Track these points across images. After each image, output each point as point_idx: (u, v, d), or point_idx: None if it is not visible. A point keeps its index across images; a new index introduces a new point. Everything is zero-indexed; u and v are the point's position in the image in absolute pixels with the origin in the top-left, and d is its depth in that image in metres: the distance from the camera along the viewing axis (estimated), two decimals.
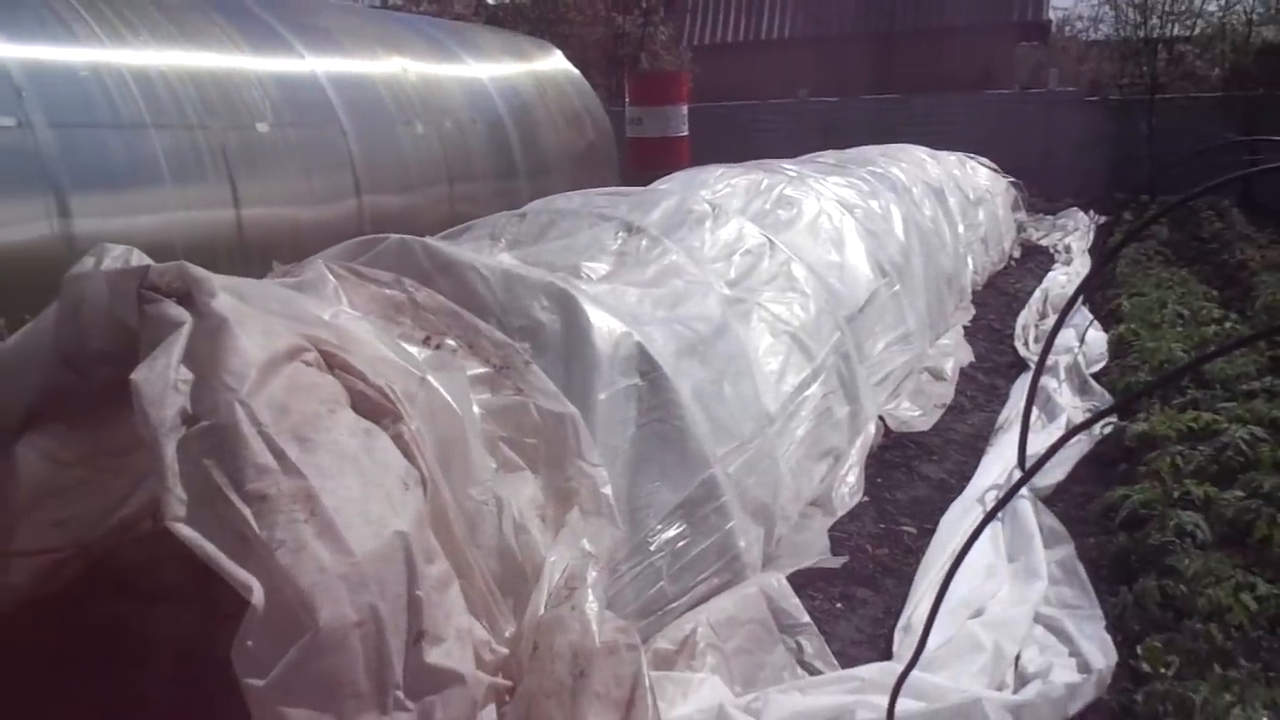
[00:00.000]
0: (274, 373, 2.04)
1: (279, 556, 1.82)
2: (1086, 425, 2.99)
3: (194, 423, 1.92)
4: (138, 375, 1.93)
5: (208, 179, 6.61)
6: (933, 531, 3.80)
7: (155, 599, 2.85)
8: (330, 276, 2.71)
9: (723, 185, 5.40)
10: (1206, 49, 16.11)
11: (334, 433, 2.05)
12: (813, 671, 2.84)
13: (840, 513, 3.98)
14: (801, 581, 3.33)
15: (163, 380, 1.93)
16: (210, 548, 1.79)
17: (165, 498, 1.83)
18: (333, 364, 2.22)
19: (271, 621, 1.78)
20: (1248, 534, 3.36)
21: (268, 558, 1.81)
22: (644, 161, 11.38)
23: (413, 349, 2.59)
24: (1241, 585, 2.90)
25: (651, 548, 2.86)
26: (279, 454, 1.92)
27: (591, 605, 2.22)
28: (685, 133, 11.97)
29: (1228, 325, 6.22)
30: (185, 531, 1.79)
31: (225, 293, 2.10)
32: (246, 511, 1.84)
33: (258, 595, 1.76)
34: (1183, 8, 15.61)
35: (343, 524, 1.91)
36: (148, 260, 2.15)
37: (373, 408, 2.20)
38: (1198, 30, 16.04)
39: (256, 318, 2.13)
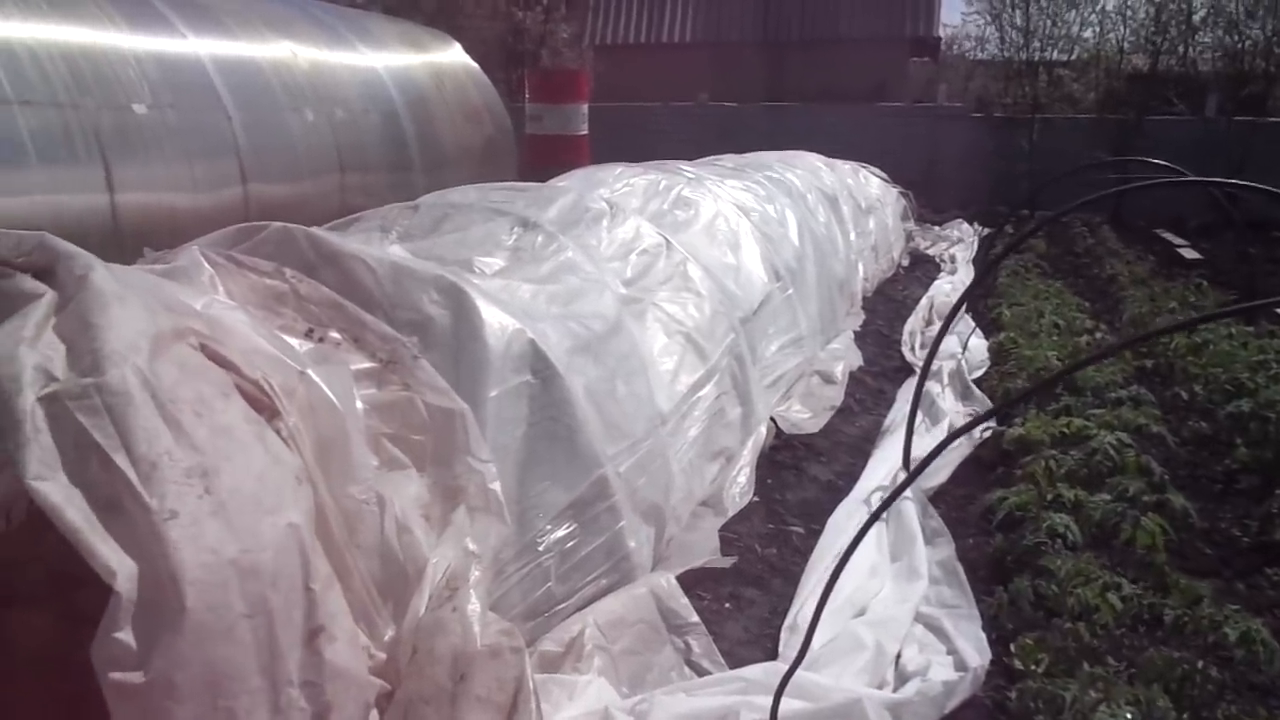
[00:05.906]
0: (164, 349, 1.90)
1: (170, 528, 1.64)
2: (967, 429, 3.07)
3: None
4: None
5: (79, 161, 6.24)
6: (820, 532, 3.86)
7: (9, 603, 2.65)
8: (206, 264, 2.57)
9: (621, 184, 5.39)
10: (1083, 73, 16.95)
11: (229, 415, 1.93)
12: (700, 671, 2.83)
13: (731, 513, 4.00)
14: (691, 581, 3.33)
15: (12, 339, 1.75)
16: (73, 515, 1.60)
17: (21, 454, 1.62)
18: (206, 355, 2.10)
19: (149, 607, 1.61)
20: (1114, 536, 3.52)
21: (152, 530, 1.63)
22: (543, 159, 11.26)
23: (294, 341, 2.47)
24: (1109, 585, 3.02)
25: (540, 548, 2.81)
26: (174, 422, 1.76)
27: (473, 606, 2.16)
28: (585, 131, 11.91)
29: (1098, 335, 6.55)
30: (45, 492, 1.60)
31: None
32: (132, 475, 1.65)
33: (123, 579, 1.58)
34: (1062, 33, 16.39)
35: (236, 507, 1.78)
36: None
37: (250, 402, 2.09)
38: (1075, 55, 16.87)
39: (137, 297, 1.99)
